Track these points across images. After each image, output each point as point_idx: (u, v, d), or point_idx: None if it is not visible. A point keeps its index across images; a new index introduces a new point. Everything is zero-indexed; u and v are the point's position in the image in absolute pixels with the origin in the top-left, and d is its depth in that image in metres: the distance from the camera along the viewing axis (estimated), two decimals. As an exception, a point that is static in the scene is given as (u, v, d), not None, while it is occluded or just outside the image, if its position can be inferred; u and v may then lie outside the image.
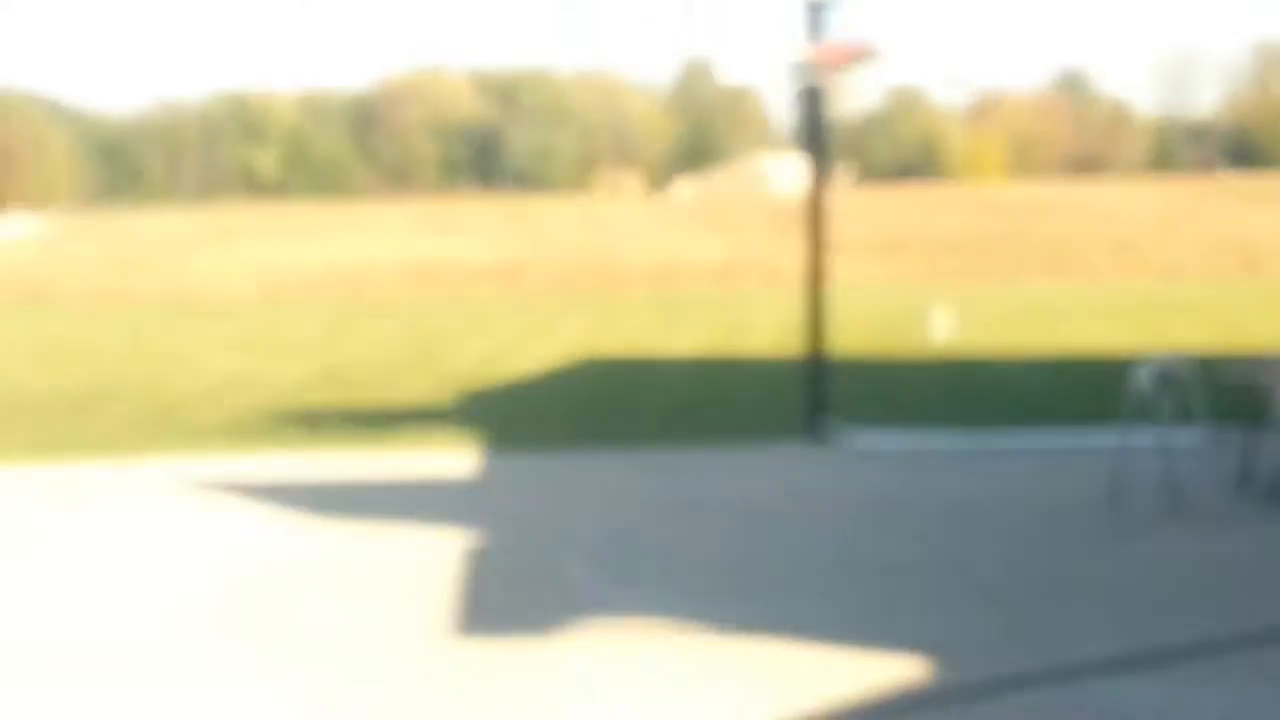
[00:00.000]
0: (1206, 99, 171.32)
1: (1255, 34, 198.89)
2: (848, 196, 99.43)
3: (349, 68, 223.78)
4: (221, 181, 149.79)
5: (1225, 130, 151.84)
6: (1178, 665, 8.53)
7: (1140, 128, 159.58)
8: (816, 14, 15.76)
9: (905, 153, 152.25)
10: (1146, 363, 13.20)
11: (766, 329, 30.56)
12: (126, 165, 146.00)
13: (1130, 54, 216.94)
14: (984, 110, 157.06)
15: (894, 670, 8.50)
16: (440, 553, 11.58)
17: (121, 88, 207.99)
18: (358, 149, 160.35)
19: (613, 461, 15.58)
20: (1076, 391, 19.59)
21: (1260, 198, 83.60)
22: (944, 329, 27.43)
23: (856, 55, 15.56)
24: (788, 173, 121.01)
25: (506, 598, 10.33)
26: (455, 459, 15.77)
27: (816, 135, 16.66)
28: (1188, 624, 9.24)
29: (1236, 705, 7.88)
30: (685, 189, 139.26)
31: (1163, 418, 12.73)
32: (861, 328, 29.82)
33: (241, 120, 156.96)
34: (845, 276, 48.90)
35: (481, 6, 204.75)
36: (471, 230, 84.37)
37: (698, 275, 50.99)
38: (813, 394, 16.39)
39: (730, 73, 21.78)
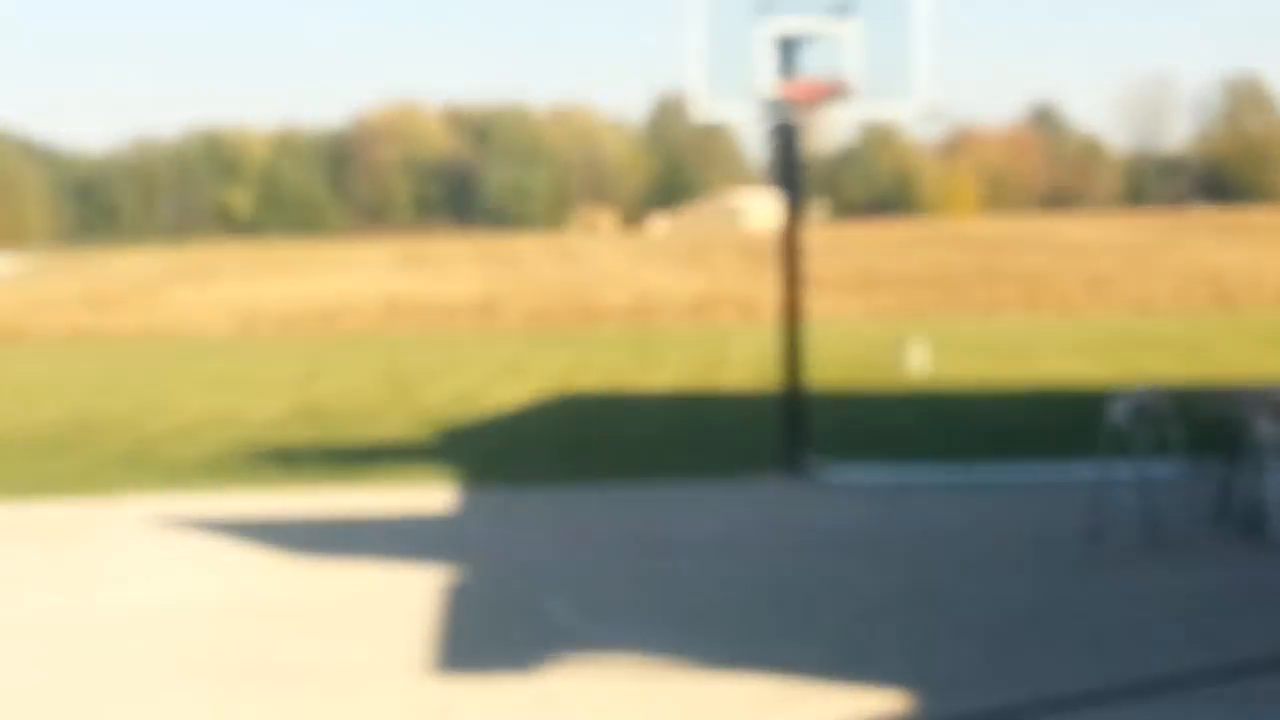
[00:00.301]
0: (1178, 133, 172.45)
1: (1225, 68, 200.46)
2: (822, 232, 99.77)
3: (323, 104, 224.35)
4: (196, 220, 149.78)
5: (1197, 165, 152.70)
6: (1158, 697, 8.53)
7: (1113, 162, 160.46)
8: (789, 51, 15.83)
9: (879, 188, 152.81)
10: (1122, 396, 13.24)
11: (743, 364, 30.59)
12: (101, 204, 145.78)
13: (1101, 88, 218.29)
14: (957, 145, 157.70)
15: (876, 705, 8.47)
16: (417, 589, 11.55)
17: (95, 126, 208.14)
18: (332, 186, 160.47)
19: (590, 497, 15.56)
20: (1053, 425, 19.63)
21: (1232, 231, 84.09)
22: (920, 363, 27.50)
23: (830, 92, 15.62)
24: (762, 209, 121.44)
25: (484, 634, 10.31)
26: (432, 495, 15.75)
27: (790, 171, 16.70)
28: (1168, 656, 9.25)
29: None
30: (660, 225, 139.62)
31: (1140, 451, 12.76)
32: (838, 362, 29.86)
33: (216, 158, 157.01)
34: (821, 311, 49.09)
35: (456, 42, 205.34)
36: (447, 267, 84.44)
37: (673, 311, 51.02)
38: (790, 428, 16.40)
39: (703, 109, 21.88)
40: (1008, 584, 11.32)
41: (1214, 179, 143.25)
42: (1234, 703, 8.40)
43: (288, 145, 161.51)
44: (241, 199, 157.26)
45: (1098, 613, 10.46)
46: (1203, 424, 14.06)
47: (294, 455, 18.83)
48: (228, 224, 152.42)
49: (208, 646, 10.26)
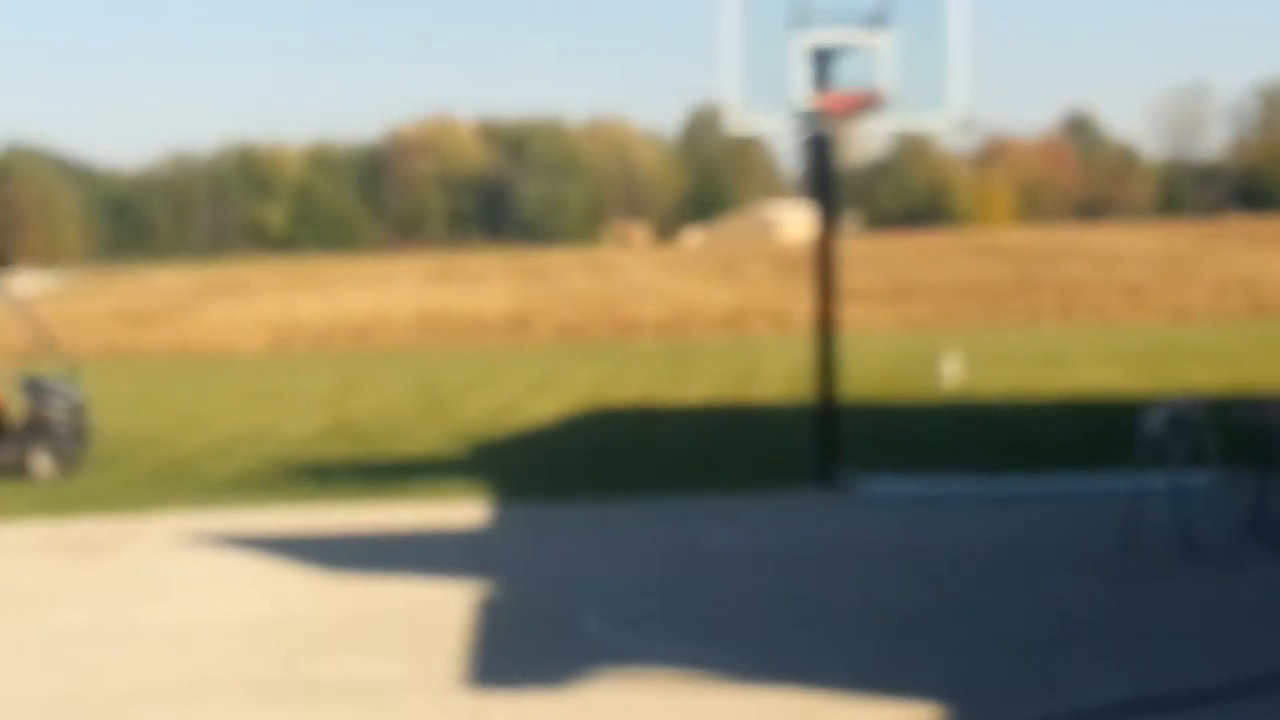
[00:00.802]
0: (1213, 142, 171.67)
1: (1261, 75, 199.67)
2: (856, 243, 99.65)
3: (357, 119, 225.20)
4: (230, 236, 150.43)
5: (1233, 173, 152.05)
6: (1193, 710, 8.49)
7: (1148, 171, 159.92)
8: (824, 63, 15.82)
9: (913, 199, 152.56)
10: (1158, 406, 13.19)
11: (777, 376, 30.56)
12: (135, 221, 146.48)
13: (1136, 97, 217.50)
14: (991, 155, 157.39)
15: (907, 717, 8.47)
16: (452, 604, 11.56)
17: (130, 143, 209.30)
18: (366, 202, 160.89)
19: (625, 511, 15.56)
20: (1088, 435, 19.55)
21: (1268, 240, 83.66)
22: (954, 374, 27.42)
23: (864, 104, 15.62)
24: (796, 220, 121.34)
25: (518, 648, 10.31)
26: (466, 510, 15.76)
27: (824, 183, 16.69)
28: (1202, 668, 9.21)
29: None
30: (694, 237, 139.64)
31: (1175, 461, 12.71)
32: (872, 374, 29.80)
33: (250, 174, 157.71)
34: (855, 323, 49.01)
35: (490, 56, 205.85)
36: (480, 281, 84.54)
37: (707, 323, 50.98)
38: (823, 441, 16.38)
39: (738, 121, 21.86)
40: (1041, 596, 11.28)
41: (1250, 187, 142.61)
42: (1267, 716, 8.36)
43: (322, 161, 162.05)
44: (276, 215, 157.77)
45: (1132, 624, 10.42)
46: (1238, 434, 14.00)
47: (328, 471, 18.87)
48: (262, 240, 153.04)
49: (241, 661, 10.29)
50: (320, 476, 18.40)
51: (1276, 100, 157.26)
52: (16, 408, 19.91)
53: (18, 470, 19.15)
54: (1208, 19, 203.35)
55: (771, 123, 16.64)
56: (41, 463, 19.20)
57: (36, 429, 19.40)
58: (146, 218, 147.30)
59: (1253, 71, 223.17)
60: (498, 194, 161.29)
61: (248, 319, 58.17)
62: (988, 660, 9.61)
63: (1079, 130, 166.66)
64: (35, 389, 19.77)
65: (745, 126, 16.65)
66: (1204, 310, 48.32)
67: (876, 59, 15.71)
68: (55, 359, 20.75)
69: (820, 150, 16.24)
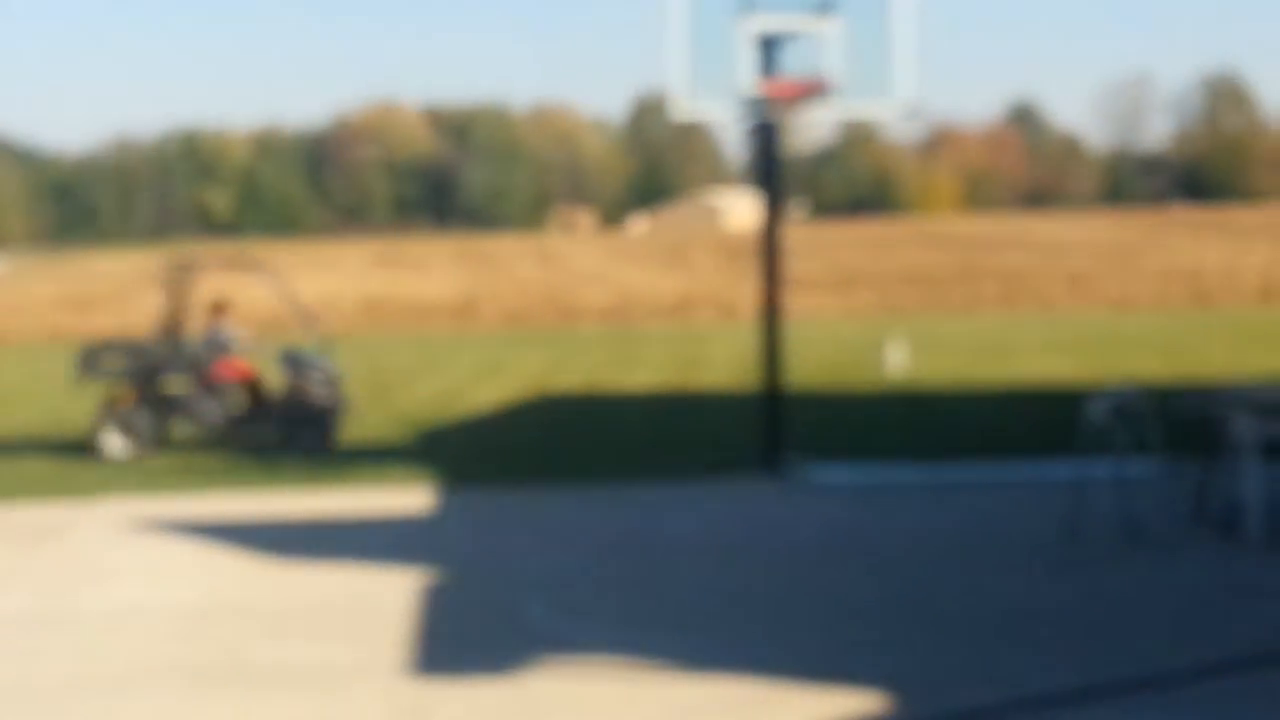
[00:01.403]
0: (1157, 132, 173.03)
1: (1204, 67, 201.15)
2: (802, 231, 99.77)
3: (303, 104, 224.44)
4: (175, 220, 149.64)
5: (1176, 163, 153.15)
6: (1137, 696, 8.54)
7: (1092, 161, 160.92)
8: (770, 49, 15.82)
9: (859, 187, 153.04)
10: (1101, 395, 13.26)
11: (722, 364, 30.58)
12: (80, 204, 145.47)
13: (1080, 87, 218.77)
14: (937, 144, 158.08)
15: (856, 706, 8.48)
16: (397, 591, 11.53)
17: (74, 126, 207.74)
18: (311, 187, 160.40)
19: (570, 497, 15.55)
20: (1032, 424, 19.65)
21: (1210, 230, 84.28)
22: (899, 362, 27.51)
23: (810, 91, 15.62)
24: (742, 208, 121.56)
25: (463, 635, 10.28)
26: (411, 496, 15.72)
27: (770, 170, 16.70)
28: (1146, 655, 9.27)
29: None
30: (639, 225, 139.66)
31: (1118, 449, 12.79)
32: (817, 362, 29.86)
33: (195, 159, 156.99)
34: (800, 311, 49.12)
35: (436, 43, 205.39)
36: (426, 267, 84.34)
37: (653, 311, 51.01)
38: (769, 428, 16.40)
39: (684, 108, 21.75)
40: (987, 583, 11.33)
41: (1192, 177, 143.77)
42: (1211, 701, 8.42)
43: (267, 145, 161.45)
44: (220, 199, 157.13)
45: (1076, 612, 10.48)
46: (1181, 423, 14.09)
47: (273, 457, 18.78)
48: (207, 225, 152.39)
49: (183, 648, 10.23)
50: (264, 462, 18.31)
51: (1219, 91, 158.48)
52: (275, 382, 20.15)
53: (281, 444, 19.32)
54: (1151, 10, 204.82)
55: (717, 110, 16.64)
56: (304, 437, 19.34)
57: (295, 403, 19.59)
58: (91, 202, 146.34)
59: (1195, 62, 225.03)
60: (443, 180, 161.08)
61: (192, 303, 57.63)
62: (933, 648, 9.64)
63: (1024, 120, 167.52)
64: (293, 363, 19.96)
65: (691, 113, 16.65)
66: (1147, 300, 48.66)
67: (823, 46, 15.72)
68: (312, 334, 20.85)
69: (766, 137, 16.25)
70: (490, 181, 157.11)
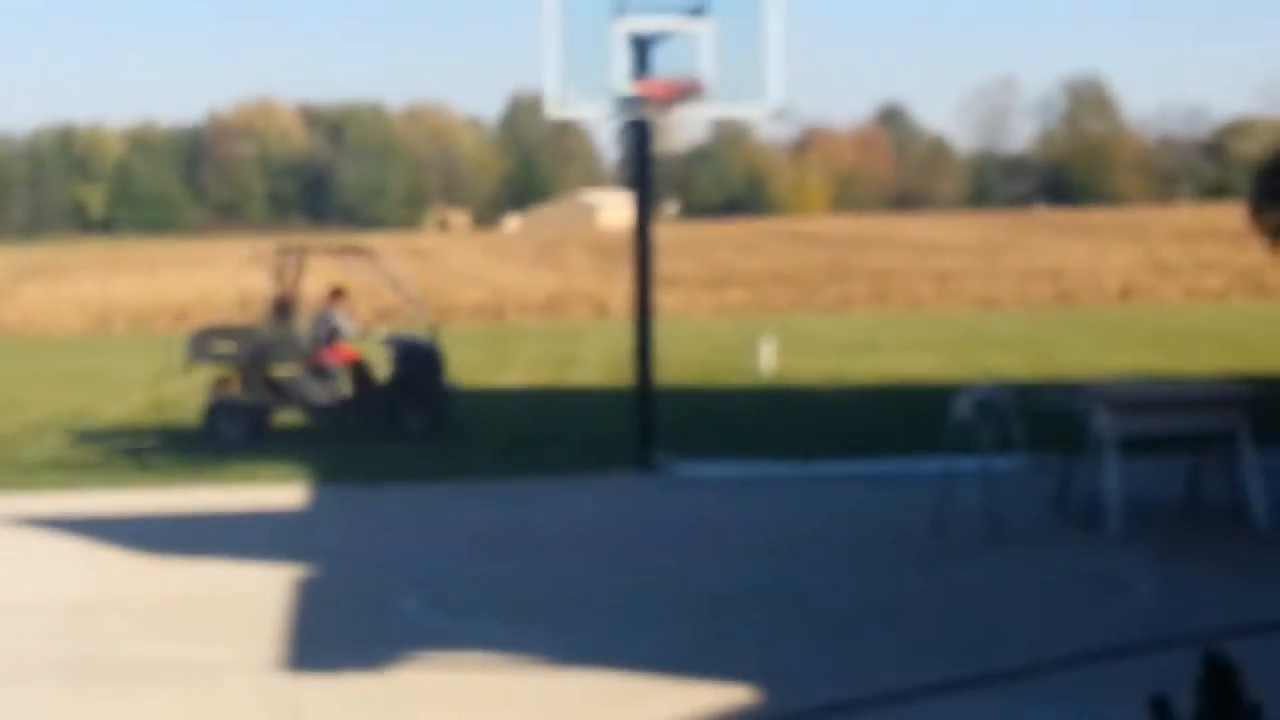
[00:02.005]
0: (1021, 135, 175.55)
1: (1064, 71, 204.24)
2: (674, 230, 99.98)
3: (178, 102, 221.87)
4: (49, 217, 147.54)
5: (1039, 166, 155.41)
6: (1001, 686, 8.68)
7: (958, 163, 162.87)
8: (643, 49, 15.96)
9: (731, 187, 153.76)
10: (966, 392, 13.51)
11: (595, 361, 30.73)
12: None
13: (947, 90, 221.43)
14: (807, 145, 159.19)
15: (725, 699, 8.56)
16: (269, 586, 11.53)
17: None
18: (187, 184, 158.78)
19: (443, 492, 15.60)
20: (899, 420, 19.93)
21: (1072, 231, 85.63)
22: (770, 360, 27.79)
23: (683, 91, 15.77)
24: (615, 207, 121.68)
25: (336, 631, 10.30)
26: (286, 492, 15.71)
27: (642, 169, 16.86)
28: (1010, 647, 9.42)
29: (1057, 719, 8.11)
30: (513, 223, 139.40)
31: (983, 445, 13.00)
32: (688, 359, 30.09)
33: (69, 155, 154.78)
34: (672, 308, 49.36)
35: (311, 41, 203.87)
36: (303, 265, 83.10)
37: (526, 308, 51.06)
38: (642, 425, 16.55)
39: (557, 107, 21.78)
40: (853, 578, 11.49)
41: (1055, 180, 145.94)
42: (1075, 690, 8.58)
43: (142, 142, 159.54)
44: (95, 196, 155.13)
45: (941, 606, 10.65)
46: (1043, 419, 14.42)
47: (146, 453, 18.67)
48: (81, 221, 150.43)
49: (57, 643, 10.20)
50: (138, 459, 18.20)
51: (1080, 95, 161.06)
52: (382, 367, 20.21)
53: (390, 428, 19.34)
54: (1015, 17, 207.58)
55: (591, 109, 16.77)
56: (411, 421, 19.35)
57: (403, 388, 19.64)
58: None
59: (1058, 68, 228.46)
60: (319, 178, 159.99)
61: (65, 301, 57.15)
62: (800, 642, 9.76)
63: (892, 122, 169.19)
64: (401, 349, 20.00)
65: (564, 112, 16.77)
66: (1011, 299, 49.44)
67: (695, 47, 15.87)
68: (420, 320, 21.02)
69: (638, 137, 16.38)
70: (365, 179, 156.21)
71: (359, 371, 20.08)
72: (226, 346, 19.87)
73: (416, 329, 21.18)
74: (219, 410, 19.51)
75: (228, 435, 19.25)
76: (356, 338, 20.62)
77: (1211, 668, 3.78)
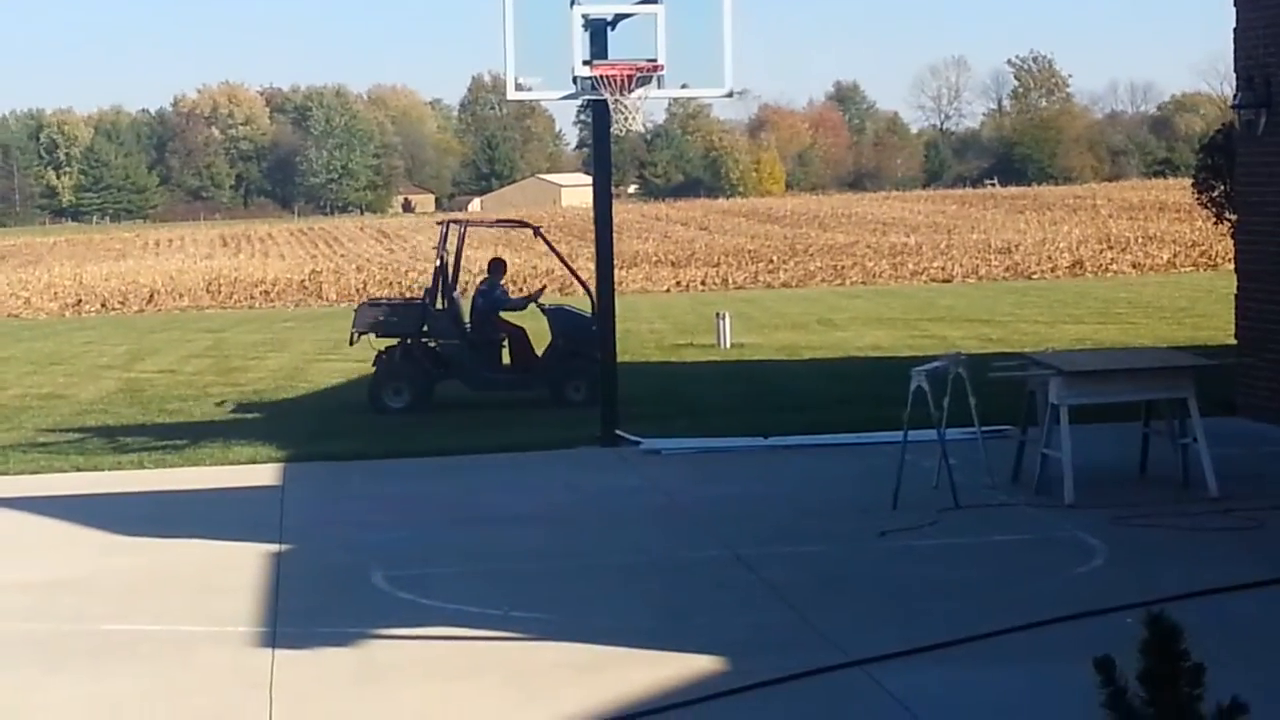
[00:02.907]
0: (973, 114, 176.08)
1: (1014, 52, 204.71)
2: (635, 209, 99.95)
3: (143, 87, 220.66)
4: (19, 203, 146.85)
5: (991, 144, 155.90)
6: (958, 652, 8.83)
7: (912, 142, 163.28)
8: (602, 32, 16.14)
9: (690, 167, 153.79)
10: (924, 365, 13.73)
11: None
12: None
13: (900, 72, 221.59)
14: (765, 125, 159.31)
15: (690, 668, 8.70)
16: (242, 563, 11.68)
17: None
18: (155, 169, 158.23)
19: (412, 469, 15.75)
20: (859, 393, 20.13)
21: (1025, 207, 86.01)
22: (730, 335, 28.05)
23: (641, 73, 15.95)
24: (577, 187, 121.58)
25: (308, 606, 10.43)
26: (258, 470, 15.86)
27: (602, 150, 17.07)
28: (965, 616, 9.58)
29: (1014, 685, 8.27)
30: (477, 204, 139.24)
31: (939, 416, 13.23)
32: (651, 335, 30.35)
33: (38, 142, 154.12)
34: (635, 286, 49.56)
35: (277, 28, 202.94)
36: (269, 247, 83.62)
37: (489, 288, 51.05)
38: (606, 400, 16.76)
39: (517, 90, 21.94)
40: (813, 548, 11.65)
41: (1006, 157, 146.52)
42: (1029, 655, 8.76)
43: (111, 129, 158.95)
44: (65, 182, 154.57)
45: (899, 574, 10.84)
46: (999, 390, 14.68)
47: (119, 434, 18.80)
48: (51, 207, 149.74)
49: (35, 621, 10.33)
50: (111, 440, 18.32)
51: (1030, 73, 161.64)
52: (541, 337, 20.55)
53: (554, 397, 19.68)
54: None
55: (550, 92, 16.98)
56: (572, 391, 19.68)
57: (563, 357, 19.95)
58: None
59: (1007, 46, 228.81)
60: (285, 163, 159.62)
61: (37, 285, 57.14)
62: (763, 613, 9.91)
63: (846, 102, 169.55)
64: (561, 319, 20.33)
65: (524, 94, 16.97)
66: (965, 273, 49.84)
67: (654, 29, 16.04)
68: (582, 291, 21.39)
69: (598, 119, 16.58)
70: (331, 164, 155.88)
71: (519, 342, 20.35)
72: (390, 318, 20.24)
73: (577, 300, 21.54)
74: (384, 381, 19.97)
75: (392, 405, 19.71)
76: (516, 308, 20.80)
77: (1155, 630, 4.04)
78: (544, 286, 23.73)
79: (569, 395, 19.81)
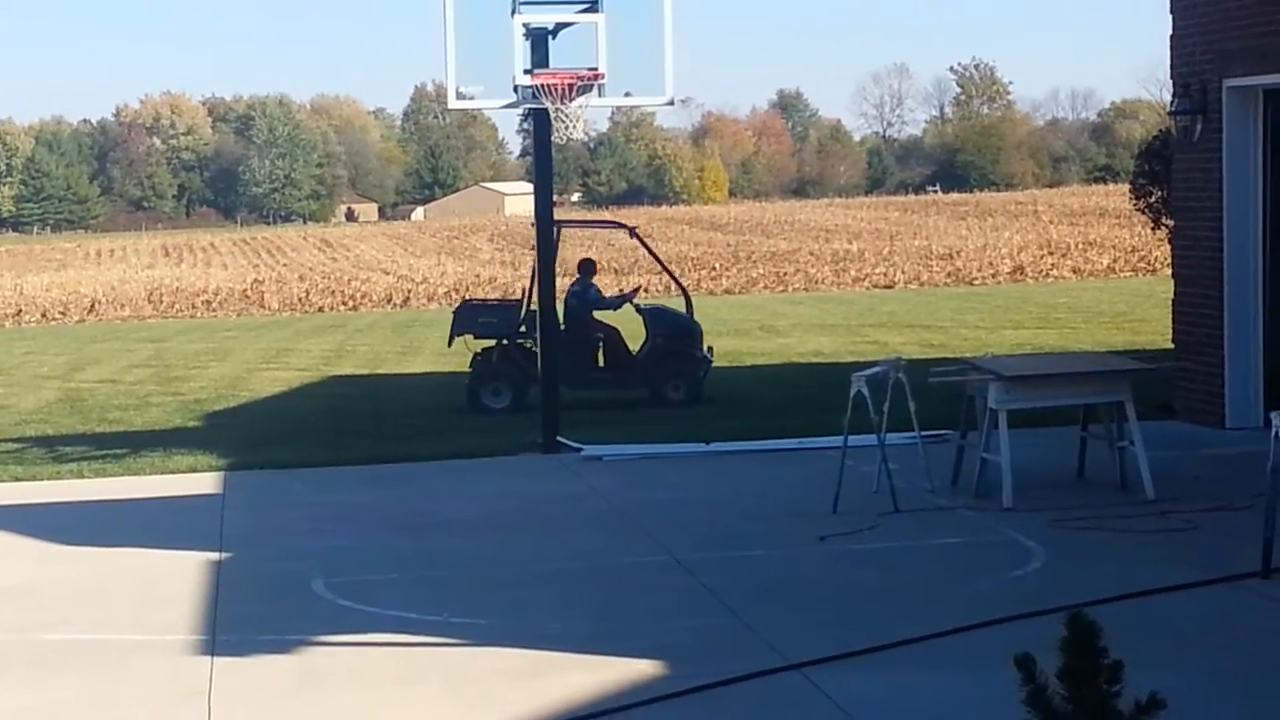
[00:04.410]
0: (915, 122, 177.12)
1: (960, 59, 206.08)
2: (578, 218, 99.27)
3: (84, 97, 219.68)
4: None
5: (933, 151, 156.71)
6: (897, 655, 8.92)
7: (855, 149, 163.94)
8: (543, 41, 16.19)
9: (633, 175, 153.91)
10: (865, 370, 13.81)
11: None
12: None
13: (843, 80, 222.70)
14: (709, 133, 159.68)
15: (629, 673, 8.74)
16: (184, 570, 11.66)
17: None
18: (96, 180, 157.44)
19: (353, 478, 15.71)
20: (799, 399, 20.25)
21: (967, 213, 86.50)
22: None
23: (582, 82, 16.00)
24: (520, 196, 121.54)
25: (248, 614, 10.42)
26: (198, 479, 15.81)
27: (543, 159, 17.12)
28: (904, 619, 9.66)
29: (952, 688, 8.34)
30: (420, 214, 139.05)
31: (880, 421, 13.31)
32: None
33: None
34: (577, 296, 49.20)
35: (218, 35, 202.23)
36: (211, 257, 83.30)
37: (433, 296, 51.24)
38: (548, 407, 16.79)
39: (458, 99, 21.96)
40: (753, 553, 11.69)
41: (949, 164, 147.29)
42: (965, 657, 8.83)
43: (52, 139, 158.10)
44: (5, 193, 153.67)
45: (838, 578, 10.89)
46: (939, 395, 14.79)
47: (59, 444, 18.71)
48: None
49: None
50: (51, 450, 18.23)
51: (974, 83, 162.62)
52: (637, 337, 20.66)
53: (653, 396, 19.83)
54: (906, 4, 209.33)
55: (492, 101, 17.01)
56: (670, 390, 19.84)
57: (659, 357, 20.04)
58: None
59: (949, 53, 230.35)
60: (228, 172, 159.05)
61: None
62: (703, 617, 9.95)
63: (790, 110, 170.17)
64: (659, 319, 20.41)
65: (466, 104, 17.01)
66: (907, 280, 50.09)
67: (595, 38, 16.08)
68: (678, 291, 21.71)
69: (540, 128, 16.62)
70: (273, 173, 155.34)
71: (613, 342, 20.36)
72: (488, 320, 20.37)
73: (674, 300, 21.62)
74: (482, 381, 20.16)
75: (492, 406, 19.89)
76: (611, 308, 20.84)
77: (1074, 628, 4.11)
78: (638, 287, 23.85)
79: (668, 394, 20.08)
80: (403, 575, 11.45)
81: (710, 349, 21.06)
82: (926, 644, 9.11)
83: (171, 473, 16.27)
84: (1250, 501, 12.07)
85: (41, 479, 16.24)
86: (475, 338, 20.60)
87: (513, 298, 22.92)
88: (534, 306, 20.02)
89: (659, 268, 22.64)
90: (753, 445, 16.48)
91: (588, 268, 21.37)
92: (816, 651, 8.92)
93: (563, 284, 20.84)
